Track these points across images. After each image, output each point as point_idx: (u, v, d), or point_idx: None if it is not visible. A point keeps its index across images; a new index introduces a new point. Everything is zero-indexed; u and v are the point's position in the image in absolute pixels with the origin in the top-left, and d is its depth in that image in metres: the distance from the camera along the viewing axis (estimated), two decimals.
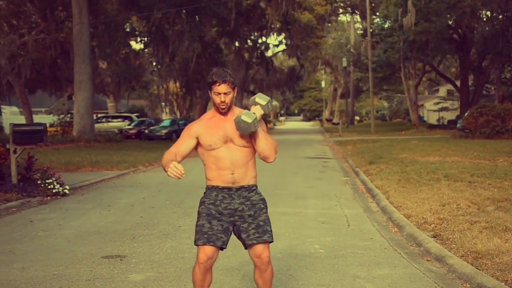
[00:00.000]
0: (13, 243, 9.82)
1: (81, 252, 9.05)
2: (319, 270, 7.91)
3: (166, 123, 50.97)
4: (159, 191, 16.26)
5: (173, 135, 45.10)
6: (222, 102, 5.52)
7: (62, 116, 50.78)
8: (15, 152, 15.34)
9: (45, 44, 45.39)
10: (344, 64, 70.92)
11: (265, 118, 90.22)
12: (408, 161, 20.77)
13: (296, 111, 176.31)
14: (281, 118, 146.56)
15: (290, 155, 29.40)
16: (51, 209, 13.62)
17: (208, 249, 5.60)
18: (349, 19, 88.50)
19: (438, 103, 68.33)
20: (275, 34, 64.42)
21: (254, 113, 5.47)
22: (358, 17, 79.23)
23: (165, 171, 5.48)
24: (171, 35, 45.81)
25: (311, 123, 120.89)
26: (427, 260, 8.43)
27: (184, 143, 5.72)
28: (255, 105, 5.57)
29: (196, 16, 43.63)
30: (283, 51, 77.40)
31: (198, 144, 5.69)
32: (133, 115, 57.87)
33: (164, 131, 46.67)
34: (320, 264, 8.24)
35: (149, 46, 53.34)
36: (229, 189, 5.64)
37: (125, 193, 16.13)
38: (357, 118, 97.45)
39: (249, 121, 5.37)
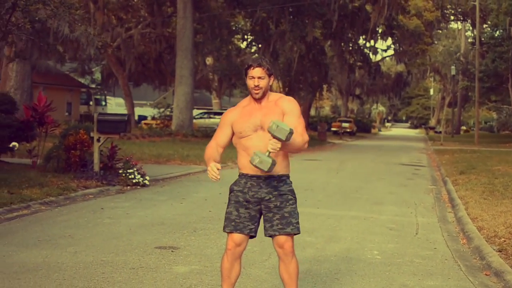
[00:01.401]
0: (76, 228, 9.97)
1: (137, 241, 9.09)
2: (368, 276, 7.68)
3: None
4: None
5: None
6: (256, 86, 5.50)
7: (162, 109, 51.61)
8: (98, 140, 15.58)
9: (151, 38, 46.28)
10: (453, 72, 69.49)
11: (370, 124, 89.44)
12: (500, 173, 20.09)
13: (403, 118, 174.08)
14: (387, 124, 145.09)
15: (383, 161, 29.00)
16: (126, 198, 13.80)
17: (236, 237, 5.63)
18: (460, 27, 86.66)
19: None
20: (381, 39, 63.50)
21: (268, 152, 5.29)
22: (469, 25, 77.37)
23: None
24: (273, 34, 45.90)
25: (417, 130, 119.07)
26: (486, 275, 8.07)
27: (222, 133, 5.75)
28: (274, 137, 5.30)
29: (299, 16, 43.52)
30: (391, 56, 76.49)
31: (232, 132, 5.67)
32: None
33: None
34: (372, 270, 8.00)
35: (252, 44, 53.63)
36: (258, 177, 5.58)
37: (204, 187, 16.18)
38: (463, 128, 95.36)
39: (261, 167, 5.27)
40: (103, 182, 15.15)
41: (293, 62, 52.66)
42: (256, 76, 5.48)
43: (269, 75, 5.55)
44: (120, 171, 15.77)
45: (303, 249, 8.98)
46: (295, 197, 5.68)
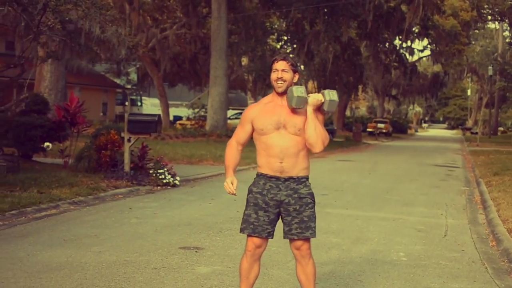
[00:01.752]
0: (102, 228, 10.00)
1: (162, 241, 9.10)
2: (392, 278, 7.60)
3: None
4: None
5: None
6: (278, 78, 5.50)
7: (197, 110, 51.71)
8: (129, 140, 15.63)
9: (186, 39, 46.43)
10: (490, 72, 68.78)
11: (406, 124, 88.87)
12: None
13: (440, 119, 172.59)
14: (424, 125, 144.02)
15: (416, 162, 28.74)
16: (155, 198, 13.83)
17: (255, 239, 5.61)
18: (497, 27, 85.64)
19: None
20: (417, 39, 62.94)
21: (307, 94, 5.43)
22: (506, 25, 76.41)
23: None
24: (307, 35, 45.78)
25: (454, 131, 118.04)
26: None
27: (242, 130, 5.74)
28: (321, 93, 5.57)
29: (334, 16, 43.33)
30: (427, 56, 75.86)
31: (253, 128, 5.63)
32: None
33: None
34: (396, 272, 7.91)
35: (286, 44, 53.54)
36: (277, 178, 5.55)
37: None
38: (500, 128, 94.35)
39: (293, 89, 5.38)
40: (133, 182, 15.20)
41: (328, 62, 52.50)
42: (280, 69, 5.48)
43: (294, 71, 5.54)
44: (151, 171, 15.80)
45: (328, 250, 8.94)
46: (314, 200, 5.65)
